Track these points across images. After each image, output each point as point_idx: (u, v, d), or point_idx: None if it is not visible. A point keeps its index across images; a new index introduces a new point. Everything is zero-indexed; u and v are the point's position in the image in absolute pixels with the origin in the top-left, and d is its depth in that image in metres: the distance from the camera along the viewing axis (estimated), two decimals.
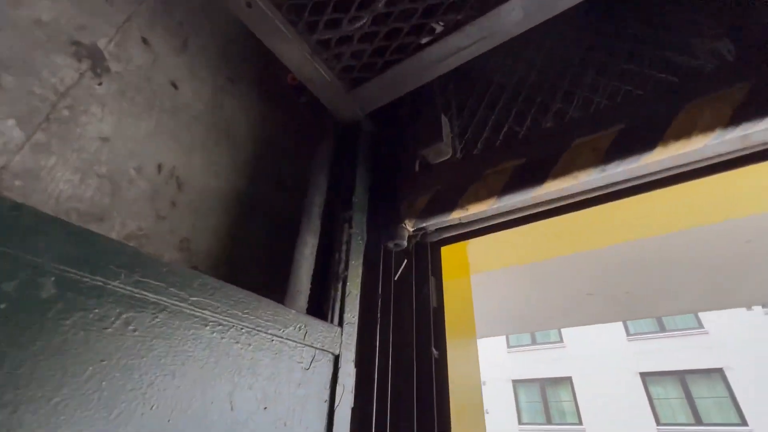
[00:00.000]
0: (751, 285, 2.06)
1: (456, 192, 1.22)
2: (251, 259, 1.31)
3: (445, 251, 1.68)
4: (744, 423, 12.03)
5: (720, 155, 1.07)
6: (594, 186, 1.22)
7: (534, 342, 16.70)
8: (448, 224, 1.38)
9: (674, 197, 1.44)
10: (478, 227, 1.56)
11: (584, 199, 1.34)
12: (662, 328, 15.02)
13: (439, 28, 1.16)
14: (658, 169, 1.15)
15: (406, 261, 1.45)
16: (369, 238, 1.26)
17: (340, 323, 0.99)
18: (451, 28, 1.12)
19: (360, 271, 1.15)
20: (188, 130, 1.23)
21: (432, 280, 1.52)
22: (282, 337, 0.82)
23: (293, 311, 0.87)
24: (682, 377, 13.93)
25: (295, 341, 0.84)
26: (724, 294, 2.20)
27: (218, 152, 1.31)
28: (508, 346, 16.93)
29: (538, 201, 1.27)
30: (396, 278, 1.37)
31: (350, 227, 1.17)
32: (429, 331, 1.38)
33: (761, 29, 0.95)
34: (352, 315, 1.03)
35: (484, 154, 1.27)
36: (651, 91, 1.05)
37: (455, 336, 1.52)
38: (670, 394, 13.80)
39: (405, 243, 1.31)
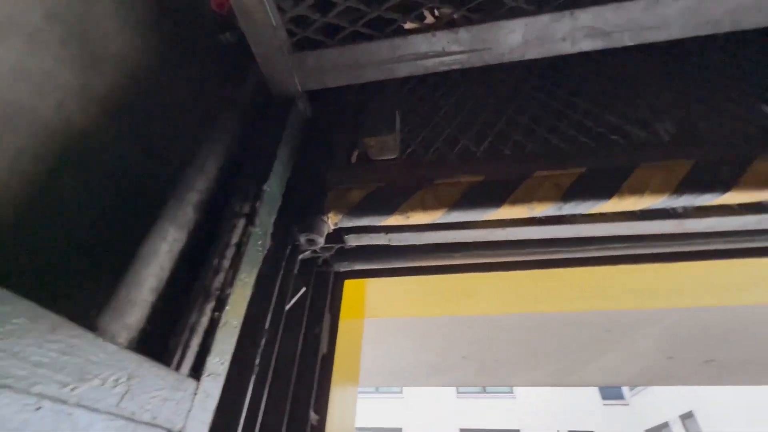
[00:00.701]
0: (592, 367, 2.32)
1: (399, 194, 0.98)
2: (67, 241, 0.79)
3: (346, 286, 1.40)
4: None
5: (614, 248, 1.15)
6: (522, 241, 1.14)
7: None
8: (373, 242, 1.11)
9: (568, 279, 1.51)
10: (394, 266, 1.34)
11: (507, 262, 1.28)
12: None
13: (430, 19, 0.96)
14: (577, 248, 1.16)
15: (304, 289, 1.11)
16: (273, 244, 0.89)
17: (196, 373, 0.59)
18: (443, 24, 0.93)
19: (249, 292, 0.76)
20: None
21: (327, 318, 1.21)
22: (65, 401, 0.39)
23: (109, 345, 0.45)
24: None
25: (97, 409, 0.42)
26: (571, 373, 2.44)
27: (63, 70, 0.80)
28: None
29: (468, 239, 1.13)
30: (288, 308, 1.01)
31: (250, 225, 0.79)
32: (311, 387, 1.04)
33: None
34: (220, 361, 0.63)
35: (436, 163, 1.08)
36: (605, 147, 1.05)
37: (339, 391, 1.21)
38: None
39: (321, 241, 0.98)
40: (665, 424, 15.92)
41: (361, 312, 1.69)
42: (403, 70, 1.01)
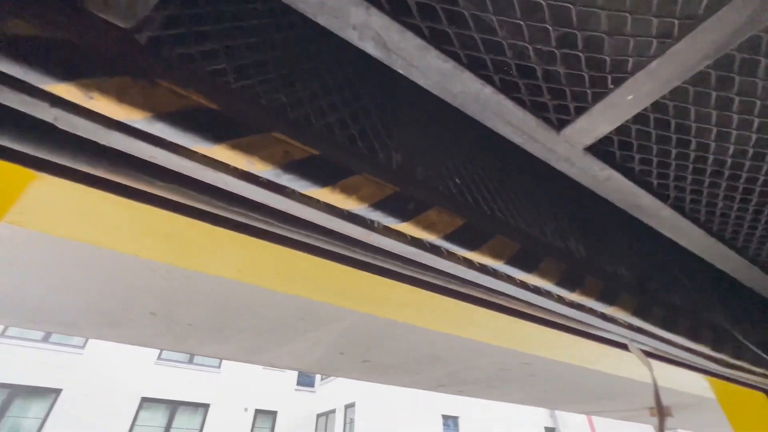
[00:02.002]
0: (283, 350, 2.49)
1: (91, 60, 0.70)
2: None
3: None
4: None
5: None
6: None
7: None
8: (30, 111, 0.77)
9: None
10: (62, 162, 0.98)
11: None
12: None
13: None
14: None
15: None
16: None
17: None
18: None
19: None
20: None
21: None
22: None
23: None
24: (174, 407, 14.87)
25: None
26: (261, 351, 2.54)
27: None
28: None
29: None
30: None
31: None
32: None
33: None
34: None
35: (172, 60, 0.86)
36: (348, 145, 1.13)
37: None
38: (154, 421, 14.19)
39: None
40: (333, 410, 19.38)
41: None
42: None
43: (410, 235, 1.16)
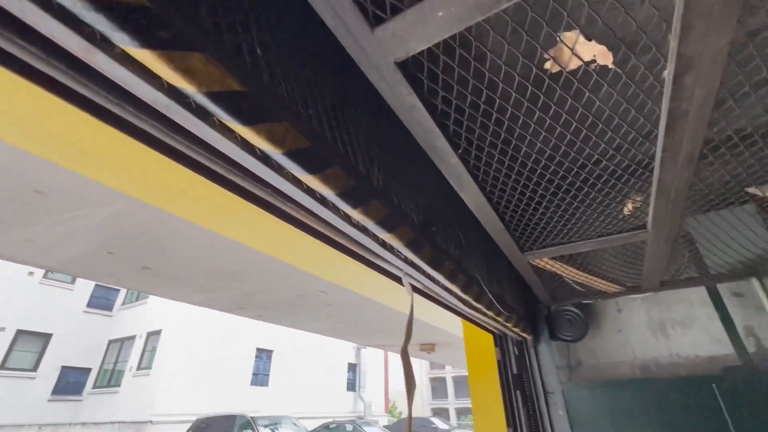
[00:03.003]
0: (17, 236, 1.89)
1: None
2: None
3: None
4: None
5: None
6: None
7: None
8: None
9: None
10: None
11: None
12: None
13: None
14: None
15: None
16: None
17: None
18: None
19: None
20: None
21: None
22: None
23: None
24: None
25: None
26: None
27: None
28: None
29: None
30: None
31: None
32: None
33: None
34: None
35: None
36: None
37: None
38: None
39: None
40: (132, 337, 17.40)
41: None
42: None
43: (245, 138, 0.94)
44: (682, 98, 1.15)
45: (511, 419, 3.25)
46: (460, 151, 1.42)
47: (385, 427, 22.86)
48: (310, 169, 1.05)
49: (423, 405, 39.37)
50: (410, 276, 1.89)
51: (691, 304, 3.37)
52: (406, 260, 1.78)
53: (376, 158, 1.44)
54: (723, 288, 3.25)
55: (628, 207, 1.98)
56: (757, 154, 1.69)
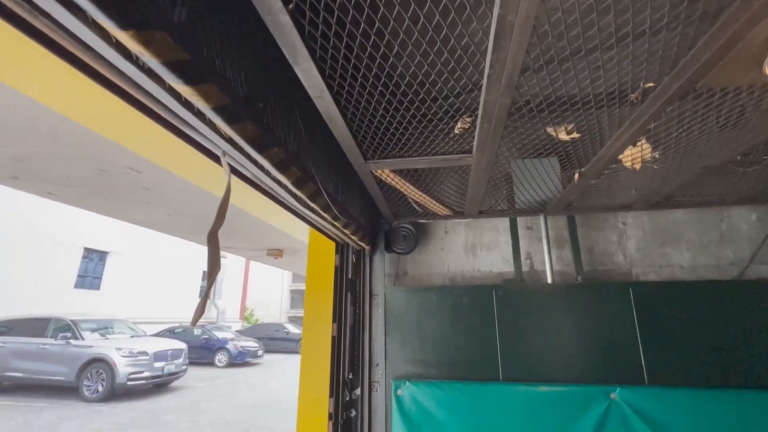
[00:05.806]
0: None
1: None
2: None
3: None
4: None
5: None
6: None
7: None
8: None
9: None
10: None
11: None
12: None
13: None
14: None
15: None
16: None
17: None
18: None
19: None
20: None
21: None
22: None
23: None
24: None
25: None
26: None
27: None
28: None
29: None
30: None
31: None
32: None
33: None
34: None
35: None
36: None
37: None
38: None
39: None
40: None
41: None
42: None
43: None
44: (509, 6, 1.15)
45: (336, 315, 3.58)
46: (290, 6, 1.19)
47: (237, 331, 23.47)
48: None
49: (281, 313, 41.56)
50: (231, 156, 1.68)
51: (498, 232, 4.11)
52: (225, 137, 1.55)
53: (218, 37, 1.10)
54: (521, 221, 4.04)
55: (458, 126, 2.12)
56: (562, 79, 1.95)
